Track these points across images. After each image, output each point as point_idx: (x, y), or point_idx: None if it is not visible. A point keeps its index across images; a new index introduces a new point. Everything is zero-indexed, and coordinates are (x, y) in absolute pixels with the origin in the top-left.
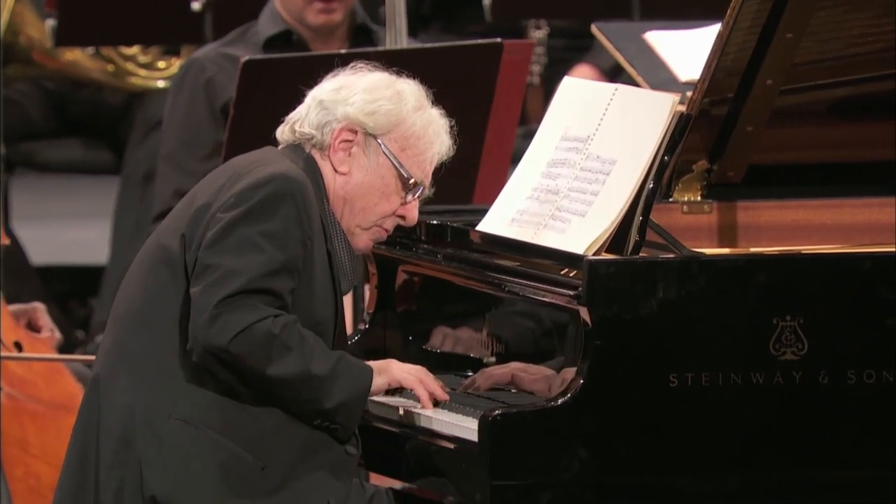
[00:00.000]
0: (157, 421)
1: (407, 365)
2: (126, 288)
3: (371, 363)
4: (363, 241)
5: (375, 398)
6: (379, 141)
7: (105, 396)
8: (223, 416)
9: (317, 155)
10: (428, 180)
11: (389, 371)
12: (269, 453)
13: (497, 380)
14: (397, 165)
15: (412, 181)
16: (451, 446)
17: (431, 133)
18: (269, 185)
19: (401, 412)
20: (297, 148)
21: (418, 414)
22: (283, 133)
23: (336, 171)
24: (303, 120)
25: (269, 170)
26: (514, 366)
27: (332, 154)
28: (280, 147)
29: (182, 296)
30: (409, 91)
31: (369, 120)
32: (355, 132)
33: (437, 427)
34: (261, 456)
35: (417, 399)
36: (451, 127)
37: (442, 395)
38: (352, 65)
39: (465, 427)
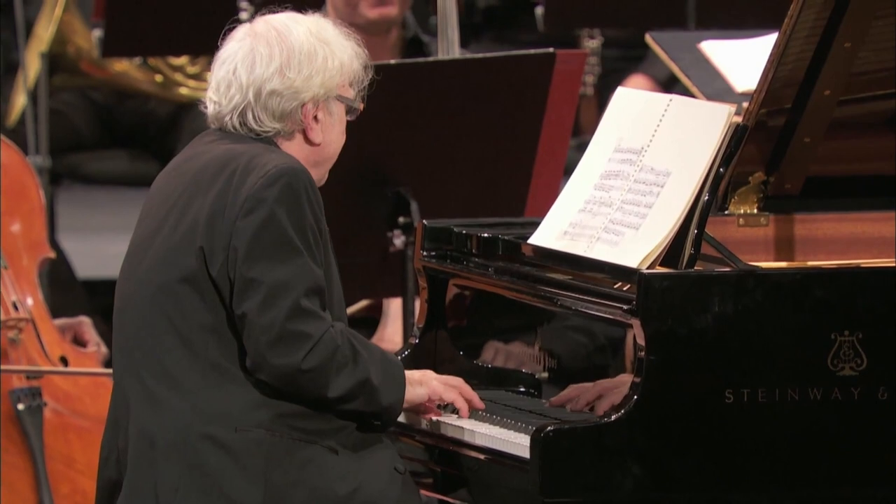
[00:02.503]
0: (221, 435)
1: (444, 376)
2: (138, 312)
3: (409, 374)
4: (326, 175)
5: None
6: (335, 95)
7: (153, 417)
8: (287, 415)
9: (278, 139)
10: None
11: (429, 384)
12: (333, 437)
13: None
14: (348, 103)
15: (355, 104)
16: (503, 463)
17: (354, 54)
18: (281, 180)
19: (450, 430)
20: (258, 138)
21: (470, 430)
22: (229, 122)
23: (312, 144)
24: (253, 111)
25: (270, 164)
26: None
27: (309, 132)
28: (227, 134)
29: (216, 309)
30: (329, 35)
31: (330, 85)
32: (318, 104)
33: (488, 443)
34: (328, 442)
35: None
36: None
37: (479, 403)
38: (254, 23)
39: (517, 443)
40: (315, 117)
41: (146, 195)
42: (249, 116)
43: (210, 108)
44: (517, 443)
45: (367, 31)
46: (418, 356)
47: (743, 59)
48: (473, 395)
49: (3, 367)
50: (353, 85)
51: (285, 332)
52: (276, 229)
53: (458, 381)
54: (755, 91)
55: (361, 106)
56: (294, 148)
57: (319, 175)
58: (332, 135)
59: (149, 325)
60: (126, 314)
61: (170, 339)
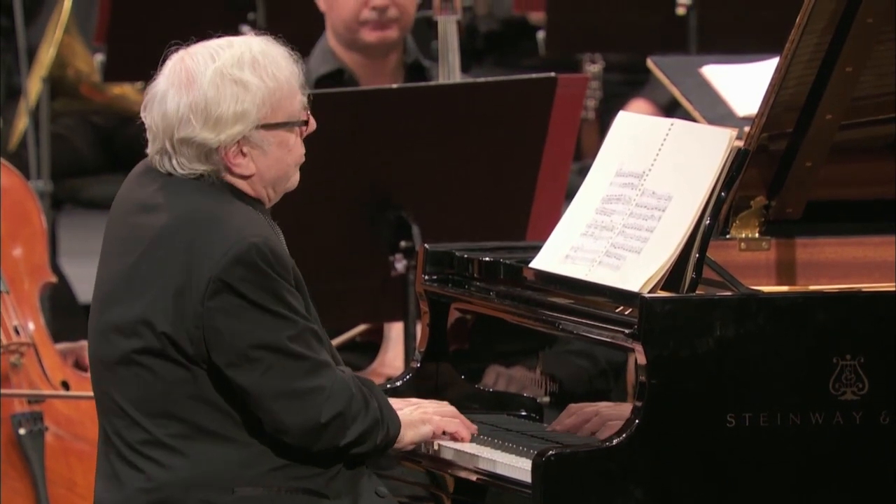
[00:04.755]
0: (220, 500)
1: (439, 407)
2: (115, 376)
3: (410, 414)
4: (296, 179)
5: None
6: (260, 127)
7: (145, 484)
8: (279, 468)
9: (216, 176)
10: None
11: (431, 420)
12: (321, 480)
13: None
14: (286, 127)
15: (302, 121)
16: (505, 487)
17: (283, 78)
18: (241, 260)
19: (452, 454)
20: (202, 180)
21: (472, 455)
22: (160, 165)
23: (244, 178)
24: (173, 157)
25: (228, 238)
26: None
27: (235, 169)
28: (170, 180)
29: (198, 378)
30: (245, 71)
31: (241, 126)
32: (235, 143)
33: (490, 468)
34: (320, 488)
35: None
36: (278, 36)
37: (473, 428)
38: (176, 57)
39: (519, 468)
40: (242, 152)
41: (105, 231)
42: (173, 161)
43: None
44: (519, 467)
45: (366, 55)
46: (420, 380)
47: (744, 83)
48: (467, 424)
49: (5, 391)
50: (292, 99)
51: (296, 392)
52: (252, 306)
53: (451, 409)
54: (757, 115)
55: (306, 116)
56: (234, 180)
57: (282, 190)
58: (267, 161)
59: (129, 391)
60: (104, 374)
61: (153, 406)
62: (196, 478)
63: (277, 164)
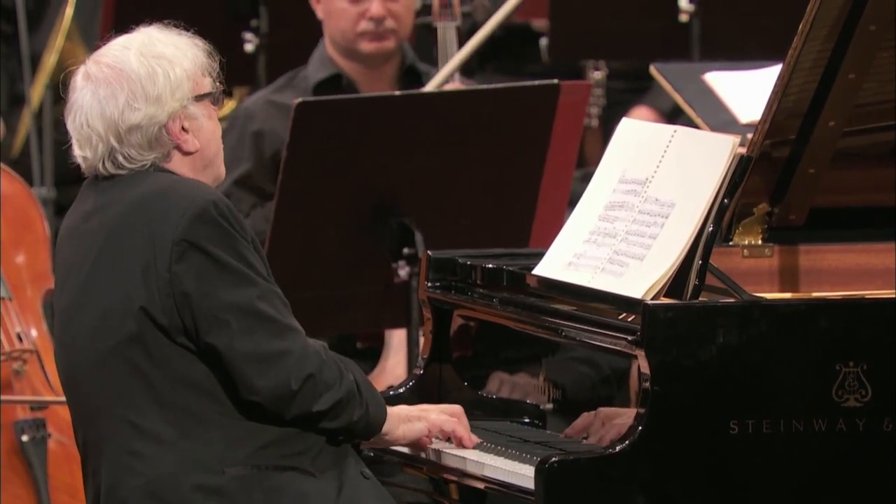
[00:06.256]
0: (212, 482)
1: (443, 407)
2: (93, 380)
3: (407, 410)
4: (223, 170)
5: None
6: (193, 98)
7: (135, 478)
8: (267, 445)
9: (161, 164)
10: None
11: (427, 417)
12: (307, 457)
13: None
14: (210, 97)
15: (222, 89)
16: (508, 494)
17: (191, 51)
18: (201, 217)
19: (455, 461)
20: (145, 171)
21: (474, 461)
22: (104, 169)
23: (188, 154)
24: (120, 153)
25: (183, 202)
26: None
27: (183, 146)
28: (115, 179)
29: (174, 357)
30: (161, 47)
31: (180, 94)
32: (179, 117)
33: (493, 474)
34: (308, 466)
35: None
36: (166, 22)
37: (475, 439)
38: (87, 65)
39: (522, 474)
40: (183, 128)
41: (55, 260)
42: (120, 158)
43: (81, 163)
44: (522, 474)
45: (364, 64)
46: (423, 387)
47: (747, 90)
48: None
49: (7, 398)
50: (205, 76)
51: (265, 354)
52: (218, 264)
53: (458, 412)
54: (759, 122)
55: (221, 87)
56: (177, 165)
57: (214, 175)
58: (205, 134)
59: (109, 391)
60: (79, 384)
61: (135, 398)
62: (186, 463)
63: (213, 137)
